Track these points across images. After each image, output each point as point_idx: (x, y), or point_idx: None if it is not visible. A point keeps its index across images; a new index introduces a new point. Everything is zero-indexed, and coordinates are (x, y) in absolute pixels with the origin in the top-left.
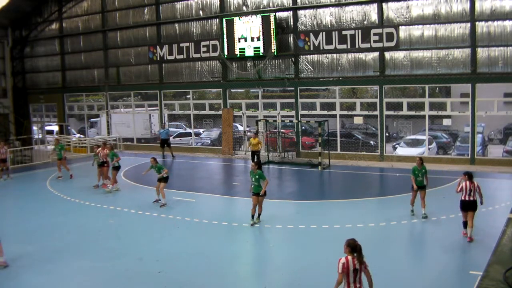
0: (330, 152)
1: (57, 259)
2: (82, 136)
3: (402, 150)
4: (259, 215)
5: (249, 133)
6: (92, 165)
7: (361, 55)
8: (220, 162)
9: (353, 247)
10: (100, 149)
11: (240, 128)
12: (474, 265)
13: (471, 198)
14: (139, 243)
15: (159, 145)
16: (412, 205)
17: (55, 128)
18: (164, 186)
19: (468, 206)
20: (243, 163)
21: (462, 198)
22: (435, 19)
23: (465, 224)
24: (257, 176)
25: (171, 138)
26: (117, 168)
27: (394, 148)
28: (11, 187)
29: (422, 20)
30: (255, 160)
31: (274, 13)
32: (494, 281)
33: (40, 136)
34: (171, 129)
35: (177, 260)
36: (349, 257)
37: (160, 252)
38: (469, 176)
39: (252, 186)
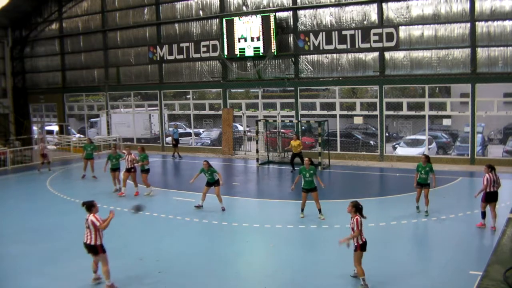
0: (330, 152)
1: (57, 259)
2: (82, 136)
3: (402, 150)
4: (320, 210)
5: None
6: (105, 171)
7: (361, 55)
8: (220, 162)
9: (358, 207)
10: (126, 153)
11: (240, 128)
12: (474, 265)
13: (494, 189)
14: (139, 243)
15: (171, 145)
16: (417, 202)
17: (55, 128)
18: (219, 190)
19: (492, 197)
20: (243, 163)
21: (488, 190)
22: (435, 19)
23: (483, 215)
24: (311, 172)
25: (171, 138)
26: (147, 171)
27: (394, 148)
28: (11, 187)
29: (422, 20)
30: (291, 161)
31: (274, 13)
32: (494, 281)
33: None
34: (172, 130)
35: (178, 260)
36: (358, 216)
37: (160, 252)
38: (492, 168)
39: (304, 181)
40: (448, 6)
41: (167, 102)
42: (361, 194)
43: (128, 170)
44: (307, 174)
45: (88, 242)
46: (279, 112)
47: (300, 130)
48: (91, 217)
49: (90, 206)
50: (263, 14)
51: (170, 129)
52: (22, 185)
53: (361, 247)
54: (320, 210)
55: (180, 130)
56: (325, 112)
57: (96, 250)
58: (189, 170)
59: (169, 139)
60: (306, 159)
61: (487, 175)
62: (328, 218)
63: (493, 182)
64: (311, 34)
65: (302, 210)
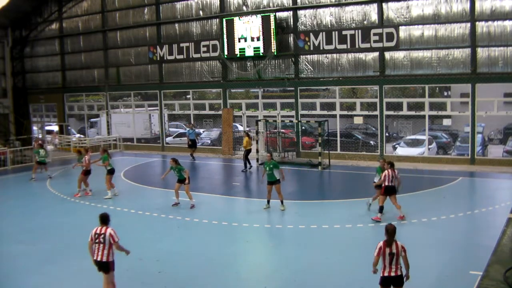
0: (330, 152)
1: (57, 259)
2: (82, 136)
3: (402, 150)
4: (282, 202)
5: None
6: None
7: (361, 55)
8: (220, 162)
9: (386, 230)
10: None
11: (240, 128)
12: (474, 265)
13: (392, 184)
14: (139, 243)
15: (187, 146)
16: (373, 200)
17: (55, 128)
18: (189, 188)
19: (391, 191)
20: (243, 163)
21: (386, 183)
22: (435, 19)
23: (382, 209)
24: (271, 166)
25: (171, 138)
26: (110, 172)
27: (394, 148)
28: (11, 187)
29: (422, 20)
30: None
31: (274, 13)
32: (494, 281)
33: (40, 136)
34: (172, 129)
35: (177, 260)
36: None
37: (160, 252)
38: (391, 164)
39: (266, 175)
40: (448, 6)
41: (167, 102)
42: (361, 194)
43: (84, 172)
44: (267, 168)
45: (99, 258)
46: (279, 112)
47: (300, 130)
48: (110, 230)
49: (107, 219)
50: (263, 14)
51: (178, 129)
52: (22, 185)
53: (382, 281)
54: (282, 202)
55: (180, 130)
56: (325, 112)
57: (108, 267)
58: (189, 170)
59: (169, 139)
60: (268, 154)
61: (386, 171)
62: (329, 218)
63: (391, 178)
64: (311, 34)
65: (268, 201)
